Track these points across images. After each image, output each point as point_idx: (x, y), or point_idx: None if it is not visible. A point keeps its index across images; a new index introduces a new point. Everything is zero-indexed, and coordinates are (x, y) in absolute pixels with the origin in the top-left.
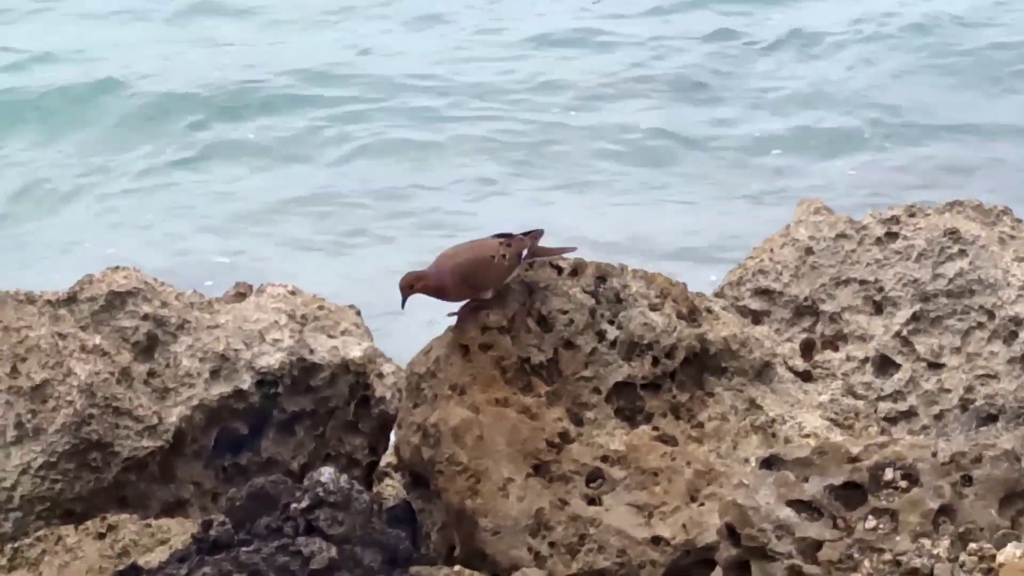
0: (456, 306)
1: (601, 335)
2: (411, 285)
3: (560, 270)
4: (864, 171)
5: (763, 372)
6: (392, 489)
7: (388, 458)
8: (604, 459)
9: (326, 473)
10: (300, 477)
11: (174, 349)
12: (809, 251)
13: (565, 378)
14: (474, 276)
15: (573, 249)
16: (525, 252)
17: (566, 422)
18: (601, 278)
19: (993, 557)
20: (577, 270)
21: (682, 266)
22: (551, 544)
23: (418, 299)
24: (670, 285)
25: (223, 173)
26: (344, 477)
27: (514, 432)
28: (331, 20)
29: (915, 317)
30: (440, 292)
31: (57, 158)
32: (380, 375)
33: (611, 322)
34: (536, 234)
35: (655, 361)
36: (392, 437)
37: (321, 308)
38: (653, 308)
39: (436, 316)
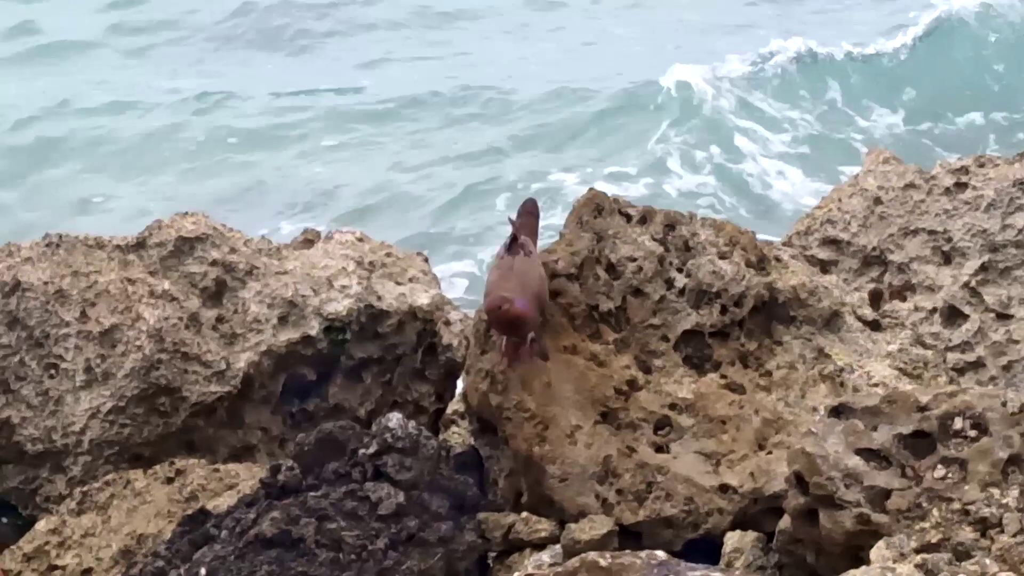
0: None
1: (670, 283)
2: (500, 307)
3: (629, 218)
4: None
5: (831, 321)
6: (458, 437)
7: (454, 406)
8: (672, 407)
9: (394, 419)
10: (367, 424)
11: (242, 295)
12: (878, 201)
13: (633, 326)
14: (543, 294)
15: (533, 201)
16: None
17: (634, 370)
18: (670, 226)
19: None
20: (646, 218)
21: None
22: (618, 491)
23: None
24: (739, 233)
25: None
26: (412, 423)
27: (582, 379)
28: None
29: (984, 268)
30: (521, 322)
31: None
32: (447, 322)
33: (680, 270)
34: (516, 225)
35: (723, 309)
36: (459, 385)
37: (389, 255)
38: (722, 256)
39: None
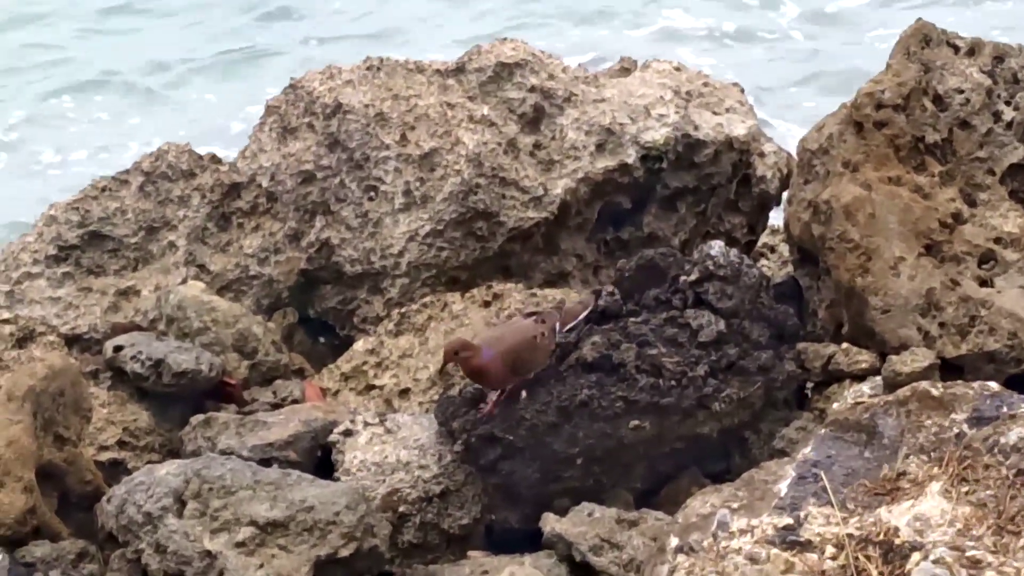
0: None
1: (997, 116)
2: (456, 352)
3: (957, 49)
4: None
5: None
6: (768, 270)
7: (765, 238)
8: (997, 241)
9: (716, 247)
10: (681, 253)
11: (560, 122)
12: None
13: (959, 158)
14: (521, 361)
15: (593, 300)
16: (558, 325)
17: (959, 203)
18: (999, 58)
19: None
20: (974, 49)
21: None
22: (941, 324)
23: None
24: None
25: None
26: (734, 251)
27: (906, 211)
28: None
29: None
30: (481, 375)
31: None
32: (761, 154)
33: (1008, 103)
34: (559, 304)
35: None
36: (770, 217)
37: (706, 85)
38: None
39: None
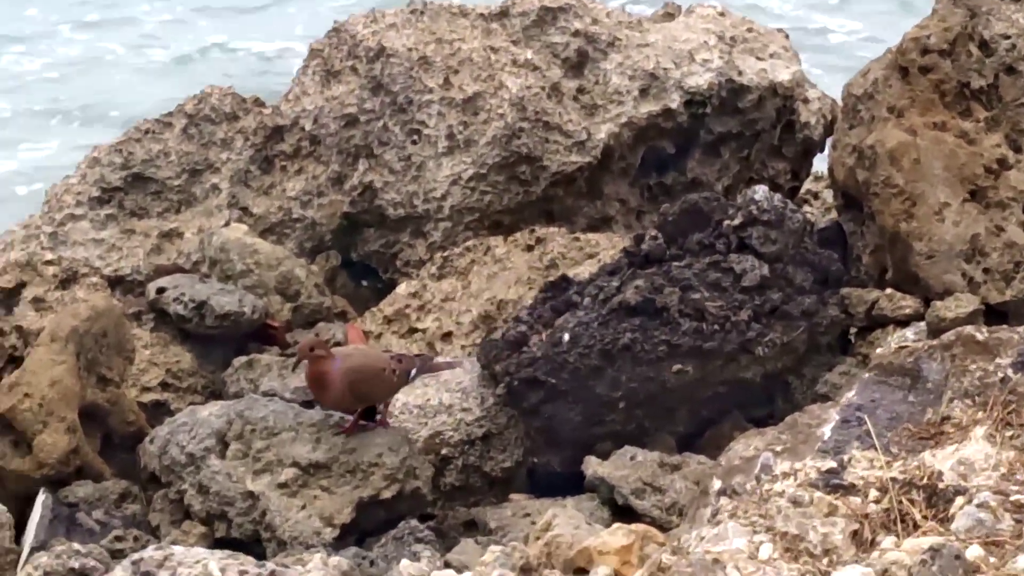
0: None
1: None
2: (312, 349)
3: None
4: None
5: None
6: (811, 216)
7: (808, 185)
8: None
9: (760, 191)
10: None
11: (604, 66)
12: None
13: (1005, 104)
14: (363, 384)
15: (460, 363)
16: (414, 372)
17: (1004, 148)
18: None
19: None
20: None
21: None
22: (985, 270)
23: None
24: None
25: None
26: (777, 196)
27: (951, 156)
28: None
29: None
30: (320, 383)
31: None
32: (805, 100)
33: None
34: (426, 357)
35: None
36: (813, 164)
37: (750, 30)
38: None
39: None
